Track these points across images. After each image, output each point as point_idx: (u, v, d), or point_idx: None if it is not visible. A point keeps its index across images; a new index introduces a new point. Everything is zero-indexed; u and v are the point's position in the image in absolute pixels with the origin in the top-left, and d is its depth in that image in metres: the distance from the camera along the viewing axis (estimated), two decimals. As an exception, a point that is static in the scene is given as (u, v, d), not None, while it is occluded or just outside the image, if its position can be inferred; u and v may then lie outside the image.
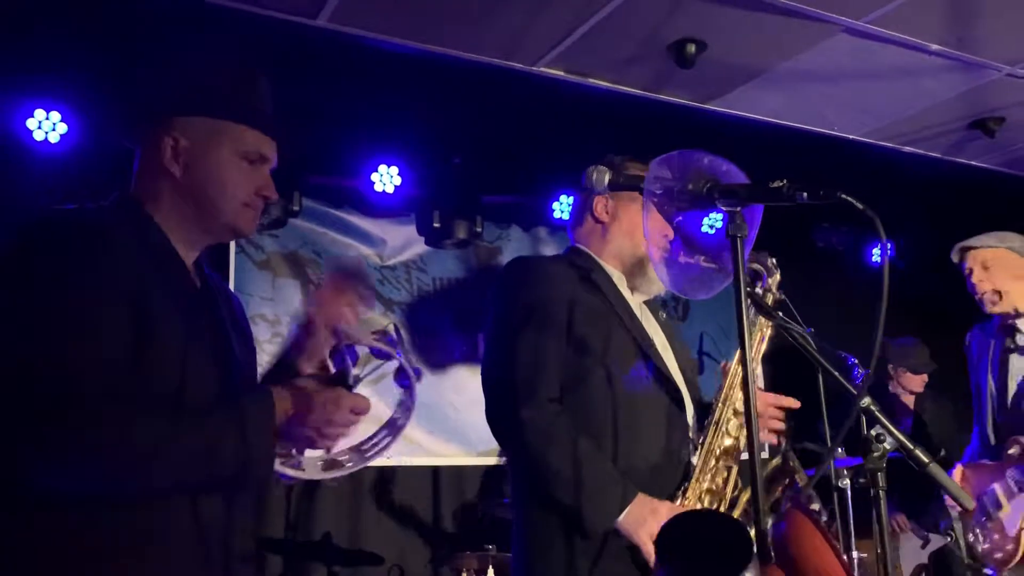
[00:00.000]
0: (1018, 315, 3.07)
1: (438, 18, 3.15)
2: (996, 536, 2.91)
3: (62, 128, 3.64)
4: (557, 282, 1.97)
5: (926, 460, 1.55)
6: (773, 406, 1.94)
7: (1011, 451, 2.88)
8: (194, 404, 1.37)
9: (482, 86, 3.66)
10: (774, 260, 1.88)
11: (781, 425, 1.94)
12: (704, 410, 1.96)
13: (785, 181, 1.40)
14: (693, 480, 1.82)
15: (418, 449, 4.56)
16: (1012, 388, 3.03)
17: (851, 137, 4.21)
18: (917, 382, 4.71)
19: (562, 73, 3.55)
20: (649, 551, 1.68)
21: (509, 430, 1.91)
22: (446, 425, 4.51)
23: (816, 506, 1.76)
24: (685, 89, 3.70)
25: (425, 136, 4.20)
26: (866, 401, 1.57)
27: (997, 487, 2.90)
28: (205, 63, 1.53)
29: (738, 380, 1.87)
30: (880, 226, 1.32)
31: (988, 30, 3.25)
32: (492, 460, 4.69)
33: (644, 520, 1.72)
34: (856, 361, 4.52)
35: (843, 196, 1.35)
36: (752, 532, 1.12)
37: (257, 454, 1.36)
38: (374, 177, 4.33)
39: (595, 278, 2.01)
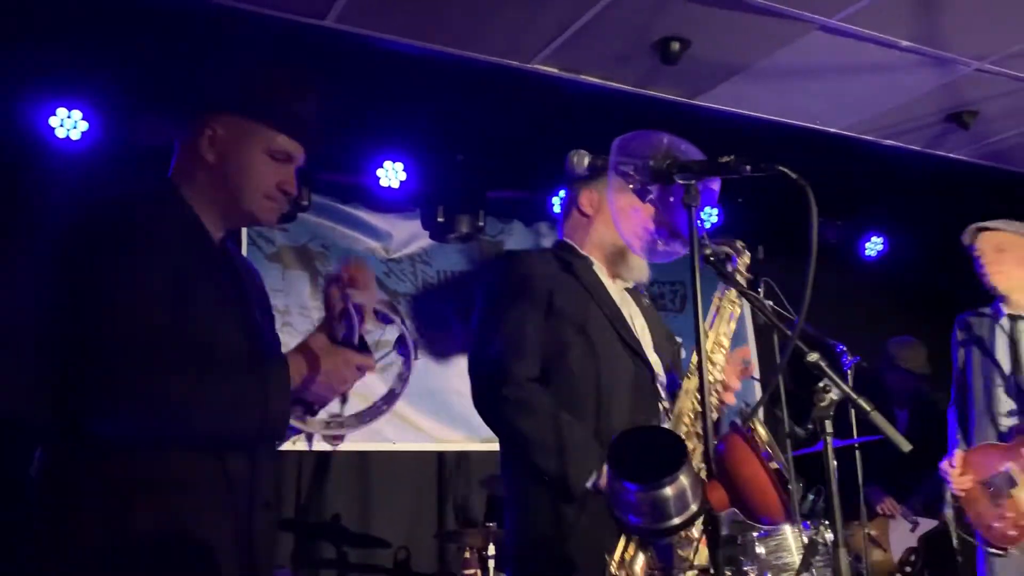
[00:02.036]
0: (1006, 301, 3.20)
1: (439, 18, 3.30)
2: (1011, 515, 3.02)
3: (83, 126, 3.77)
4: (536, 270, 2.13)
5: (868, 408, 1.72)
6: (734, 366, 2.08)
7: None
8: (221, 361, 1.55)
9: (482, 83, 3.79)
10: (742, 243, 2.03)
11: (737, 385, 2.09)
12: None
13: (732, 157, 1.58)
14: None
15: (423, 435, 4.71)
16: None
17: (833, 131, 4.33)
18: (911, 379, 4.84)
19: (556, 70, 3.69)
20: None
21: (492, 409, 2.06)
22: (450, 412, 4.64)
23: (775, 466, 1.92)
24: (672, 85, 3.83)
25: (429, 133, 4.33)
26: (814, 356, 1.74)
27: (1011, 466, 3.02)
28: (250, 66, 1.72)
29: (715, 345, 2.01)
30: (811, 196, 1.48)
31: (954, 26, 3.38)
32: (494, 446, 4.85)
33: None
34: (844, 348, 4.68)
35: (780, 168, 1.52)
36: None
37: (275, 411, 1.54)
38: (380, 173, 4.47)
39: (575, 267, 2.17)
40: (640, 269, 2.22)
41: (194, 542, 1.49)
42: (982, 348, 3.23)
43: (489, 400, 2.06)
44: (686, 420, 2.00)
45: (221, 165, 1.65)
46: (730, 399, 2.10)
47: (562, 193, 4.80)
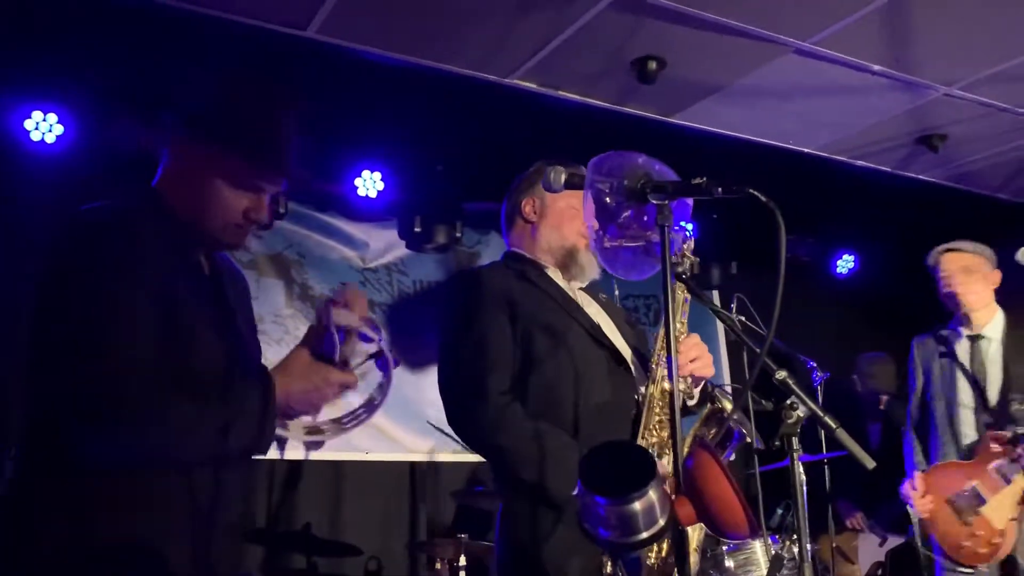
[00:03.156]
0: (967, 321, 3.25)
1: (419, 31, 3.32)
2: (980, 532, 3.02)
3: (58, 129, 3.75)
4: (493, 283, 2.15)
5: (834, 426, 1.75)
6: (692, 352, 2.10)
7: (994, 445, 3.02)
8: (205, 379, 1.53)
9: (462, 97, 3.82)
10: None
11: (700, 368, 2.10)
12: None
13: (704, 178, 1.61)
14: (639, 437, 1.99)
15: (397, 445, 4.71)
16: (992, 393, 3.16)
17: (806, 151, 4.41)
18: (882, 394, 4.92)
19: (534, 86, 3.73)
20: None
21: (467, 428, 2.07)
22: (424, 422, 4.61)
23: (749, 439, 1.98)
24: (649, 103, 3.88)
25: (407, 143, 4.35)
26: (782, 375, 1.77)
27: (977, 484, 3.04)
28: (230, 87, 1.66)
29: (664, 345, 2.01)
30: (780, 217, 1.51)
31: (924, 52, 3.47)
32: (467, 457, 4.87)
33: None
34: (815, 364, 4.76)
35: (750, 191, 1.55)
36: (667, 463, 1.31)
37: (263, 431, 1.54)
38: (358, 182, 4.48)
39: (529, 274, 2.19)
40: (591, 267, 2.24)
41: (151, 560, 1.47)
42: (942, 369, 3.27)
43: (464, 419, 2.07)
44: (653, 410, 2.03)
45: (190, 187, 1.62)
46: (706, 372, 2.12)
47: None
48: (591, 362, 2.09)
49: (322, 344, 1.65)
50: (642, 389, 2.08)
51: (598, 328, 2.16)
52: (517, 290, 2.14)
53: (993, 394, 3.15)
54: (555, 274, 2.24)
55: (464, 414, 2.07)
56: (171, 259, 1.57)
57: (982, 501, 3.03)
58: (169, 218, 1.62)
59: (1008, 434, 3.00)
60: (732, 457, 2.34)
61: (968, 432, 3.17)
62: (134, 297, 1.47)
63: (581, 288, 2.29)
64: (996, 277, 3.25)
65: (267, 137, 1.64)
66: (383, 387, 1.76)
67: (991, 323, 3.22)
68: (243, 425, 1.52)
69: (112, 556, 1.44)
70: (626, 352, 2.17)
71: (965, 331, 3.26)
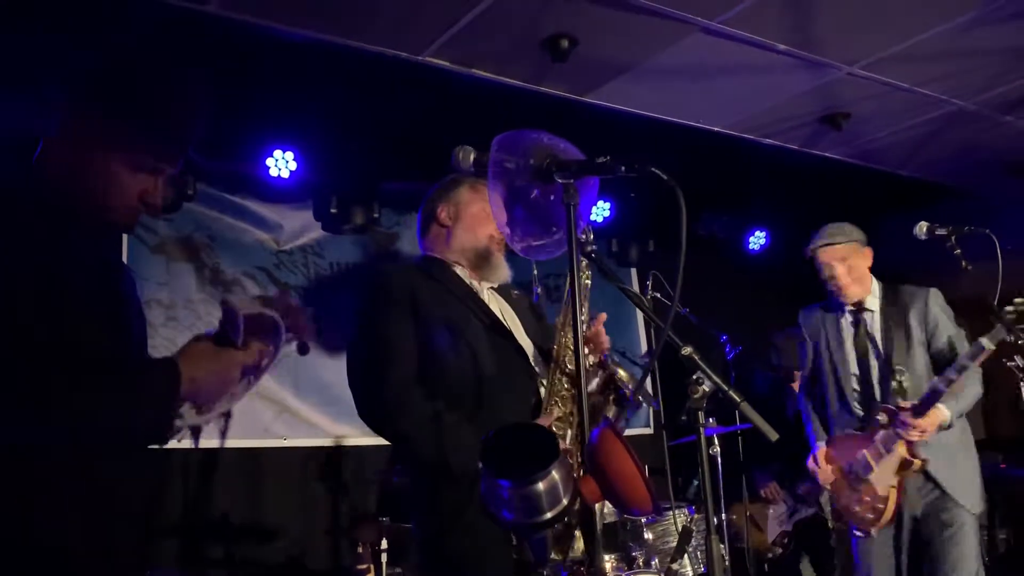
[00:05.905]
0: (862, 304, 3.36)
1: (326, 6, 3.23)
2: (868, 498, 3.19)
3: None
4: (397, 281, 2.22)
5: (738, 399, 1.79)
6: (593, 332, 2.19)
7: (879, 417, 3.13)
8: (99, 365, 1.46)
9: (374, 74, 3.75)
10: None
11: (602, 344, 2.19)
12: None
13: (608, 157, 1.63)
14: (544, 412, 2.07)
15: (316, 430, 4.66)
16: (875, 366, 3.27)
17: (716, 129, 4.47)
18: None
19: (447, 63, 3.68)
20: None
21: (374, 416, 2.15)
22: (344, 406, 4.53)
23: (648, 405, 2.03)
24: (562, 82, 3.89)
25: (320, 122, 4.26)
26: (688, 350, 1.80)
27: (866, 452, 3.16)
28: (125, 62, 1.58)
29: (567, 321, 2.11)
30: (681, 196, 1.54)
31: (827, 32, 3.54)
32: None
33: None
34: (727, 338, 4.88)
35: (653, 169, 1.57)
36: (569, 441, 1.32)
37: (164, 418, 1.48)
38: (269, 162, 4.36)
39: (434, 272, 2.28)
40: (502, 269, 2.34)
41: (55, 556, 1.41)
42: (830, 342, 3.38)
43: (370, 408, 2.15)
44: (556, 389, 2.11)
45: (81, 166, 1.54)
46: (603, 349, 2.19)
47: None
48: (491, 354, 2.16)
49: (227, 330, 1.59)
50: (544, 382, 2.16)
51: (499, 322, 2.23)
52: (421, 287, 2.21)
53: (876, 367, 3.27)
54: (463, 272, 2.32)
55: (369, 404, 2.14)
56: (52, 239, 1.48)
57: (870, 469, 3.17)
58: (50, 197, 1.53)
59: (891, 407, 3.13)
60: (631, 418, 2.43)
61: (856, 404, 3.30)
62: (12, 274, 1.38)
63: (492, 288, 2.35)
64: (869, 254, 3.36)
65: (164, 114, 1.57)
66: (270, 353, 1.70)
67: (870, 296, 3.35)
68: (142, 411, 1.46)
69: (7, 554, 1.37)
70: (526, 344, 2.24)
71: (848, 305, 3.36)
